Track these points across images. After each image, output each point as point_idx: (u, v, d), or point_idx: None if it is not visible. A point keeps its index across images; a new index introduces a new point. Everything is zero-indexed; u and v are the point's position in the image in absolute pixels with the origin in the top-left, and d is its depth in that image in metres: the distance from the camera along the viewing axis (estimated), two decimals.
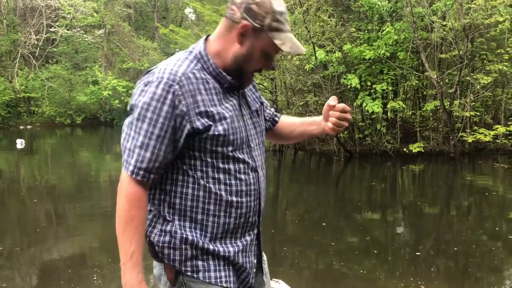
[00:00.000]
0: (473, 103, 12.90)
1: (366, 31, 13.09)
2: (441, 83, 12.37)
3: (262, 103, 1.62)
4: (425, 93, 14.37)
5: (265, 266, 1.68)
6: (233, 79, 1.41)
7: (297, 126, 1.75)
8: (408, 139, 13.71)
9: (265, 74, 13.01)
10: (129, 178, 1.36)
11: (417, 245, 6.10)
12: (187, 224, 1.42)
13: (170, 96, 1.30)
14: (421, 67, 13.37)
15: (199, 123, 1.33)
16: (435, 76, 12.24)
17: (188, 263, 1.43)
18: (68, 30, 27.82)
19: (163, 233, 1.43)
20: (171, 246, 1.42)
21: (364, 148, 13.33)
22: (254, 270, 1.55)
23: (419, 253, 5.64)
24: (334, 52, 12.50)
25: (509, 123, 13.26)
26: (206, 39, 1.43)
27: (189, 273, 1.42)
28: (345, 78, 12.30)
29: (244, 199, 1.45)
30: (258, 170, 1.49)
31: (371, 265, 5.10)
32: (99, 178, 11.56)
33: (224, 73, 1.39)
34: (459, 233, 6.65)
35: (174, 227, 1.42)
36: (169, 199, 1.42)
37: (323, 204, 7.95)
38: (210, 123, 1.34)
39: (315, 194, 9.11)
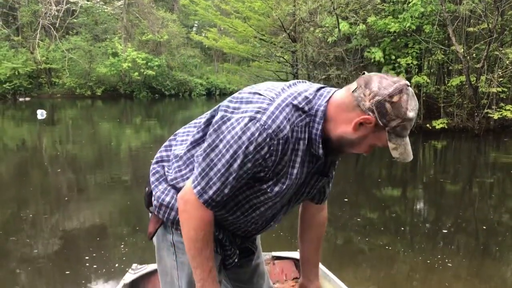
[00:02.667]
0: (501, 79, 12.50)
1: (391, 3, 12.70)
2: (468, 57, 11.99)
3: (327, 178, 1.51)
4: (450, 68, 13.97)
5: (258, 245, 1.68)
6: (324, 153, 1.32)
7: (307, 248, 1.64)
8: (432, 115, 13.43)
9: (286, 46, 12.80)
10: (199, 203, 1.30)
11: (437, 222, 6.02)
12: None
13: (266, 149, 1.23)
14: (447, 41, 12.97)
15: (268, 177, 1.30)
16: (462, 50, 11.86)
17: (178, 218, 1.40)
18: (88, 0, 27.79)
19: (166, 192, 1.42)
20: (169, 206, 1.41)
21: None
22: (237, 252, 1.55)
23: (439, 230, 5.56)
24: (358, 25, 12.19)
25: None
26: (330, 97, 1.30)
27: (179, 232, 1.40)
28: (368, 52, 12.02)
29: (250, 228, 1.49)
30: (273, 221, 1.50)
31: (390, 240, 5.05)
32: (119, 150, 11.67)
33: (321, 145, 1.30)
34: (480, 211, 6.53)
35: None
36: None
37: (343, 180, 7.87)
38: (275, 179, 1.31)
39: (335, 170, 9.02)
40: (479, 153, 11.26)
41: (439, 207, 6.81)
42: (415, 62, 12.43)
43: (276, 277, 2.85)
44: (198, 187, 1.28)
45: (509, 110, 12.32)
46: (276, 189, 1.32)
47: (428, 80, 13.36)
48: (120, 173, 8.48)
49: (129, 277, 2.62)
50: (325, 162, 1.41)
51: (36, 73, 27.87)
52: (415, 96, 1.23)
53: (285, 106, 1.24)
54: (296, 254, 2.88)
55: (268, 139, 1.20)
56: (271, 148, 1.22)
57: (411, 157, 1.28)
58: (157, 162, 1.51)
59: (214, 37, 22.20)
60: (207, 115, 1.42)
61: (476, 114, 12.26)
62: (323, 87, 1.33)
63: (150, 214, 1.51)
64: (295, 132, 1.25)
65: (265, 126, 1.20)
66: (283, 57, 13.14)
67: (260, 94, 1.26)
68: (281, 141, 1.22)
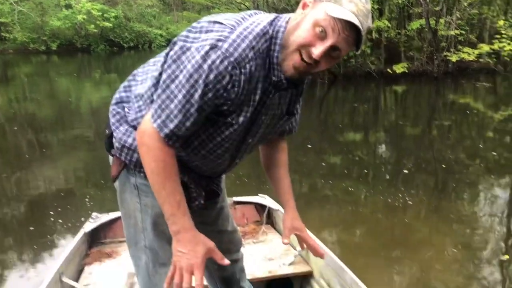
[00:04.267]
0: (459, 21, 12.68)
1: None
2: (427, 0, 12.05)
3: (293, 116, 1.50)
4: (410, 11, 14.04)
5: (223, 188, 1.69)
6: (285, 78, 1.27)
7: (278, 179, 1.62)
8: (392, 59, 13.59)
9: None
10: (158, 136, 1.25)
11: (398, 164, 6.25)
12: None
13: (227, 78, 1.19)
14: None
15: (232, 110, 1.27)
16: None
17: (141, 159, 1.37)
18: None
19: (127, 133, 1.39)
20: (132, 148, 1.38)
21: (348, 70, 13.20)
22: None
23: (400, 171, 5.78)
24: None
25: (493, 41, 13.17)
26: (288, 19, 1.26)
27: (142, 174, 1.38)
28: None
29: (216, 166, 1.47)
30: (236, 159, 1.48)
31: (353, 183, 5.22)
32: (80, 105, 11.36)
33: (282, 69, 1.25)
34: (439, 152, 6.80)
35: None
36: None
37: (307, 128, 7.97)
38: (238, 110, 1.28)
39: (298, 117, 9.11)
40: (438, 95, 11.57)
41: (400, 150, 7.04)
42: (376, 6, 12.40)
43: (238, 221, 2.91)
44: (158, 121, 1.23)
45: (466, 52, 12.61)
46: (241, 119, 1.29)
47: (389, 25, 13.41)
48: (82, 129, 8.29)
49: (89, 225, 2.63)
50: (290, 97, 1.41)
51: None
52: None
53: (247, 33, 1.20)
54: (256, 199, 2.95)
55: (229, 68, 1.17)
56: (233, 78, 1.19)
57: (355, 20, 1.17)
58: (116, 103, 1.46)
59: None
60: (165, 52, 1.37)
61: (435, 57, 12.49)
62: (280, 15, 1.31)
63: (111, 158, 1.48)
64: (258, 59, 1.22)
65: (227, 54, 1.16)
66: (244, 4, 12.84)
67: (220, 23, 1.22)
68: (243, 70, 1.19)
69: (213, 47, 1.16)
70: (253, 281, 2.18)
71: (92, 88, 14.10)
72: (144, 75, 1.43)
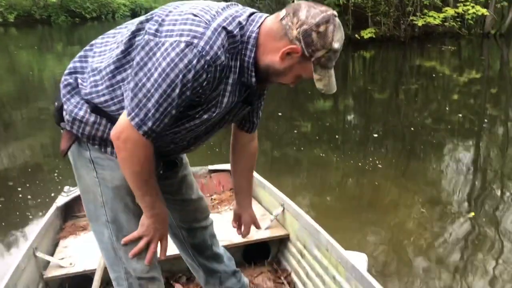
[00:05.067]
0: None
1: None
2: None
3: (258, 109, 1.54)
4: None
5: (184, 157, 1.70)
6: (256, 81, 1.29)
7: (238, 174, 1.69)
8: (360, 25, 13.63)
9: None
10: (138, 136, 1.24)
11: (367, 128, 6.36)
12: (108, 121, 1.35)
13: (204, 76, 1.18)
14: None
15: (200, 103, 1.27)
16: None
17: (98, 139, 1.36)
18: None
19: (79, 106, 1.34)
20: (83, 121, 1.34)
21: None
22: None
23: (369, 136, 5.89)
24: None
25: (458, 5, 13.34)
26: (261, 23, 1.25)
27: (96, 146, 1.37)
28: None
29: (173, 149, 1.49)
30: (194, 145, 1.50)
31: (324, 149, 5.30)
32: (43, 79, 10.99)
33: (253, 73, 1.27)
34: (406, 116, 6.94)
35: (93, 108, 1.34)
36: (108, 102, 1.33)
37: (277, 96, 7.97)
38: (205, 107, 1.29)
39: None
40: (405, 60, 11.73)
41: (369, 115, 7.15)
42: None
43: (214, 189, 2.94)
44: (136, 119, 1.22)
45: (432, 16, 12.76)
46: (205, 116, 1.31)
47: None
48: (47, 103, 8.03)
49: (61, 199, 2.60)
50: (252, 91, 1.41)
51: None
52: (342, 28, 1.23)
53: (220, 31, 1.19)
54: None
55: (206, 66, 1.17)
56: (209, 76, 1.19)
57: (334, 89, 1.28)
58: (70, 73, 1.39)
59: None
60: (127, 27, 1.33)
61: (402, 22, 12.59)
62: (254, 12, 1.29)
63: (61, 131, 1.43)
64: (229, 60, 1.23)
65: (203, 53, 1.15)
66: None
67: (194, 15, 1.19)
68: (218, 68, 1.19)
69: (189, 44, 1.15)
70: (231, 247, 2.21)
71: (54, 61, 13.63)
72: (102, 47, 1.38)
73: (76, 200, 2.57)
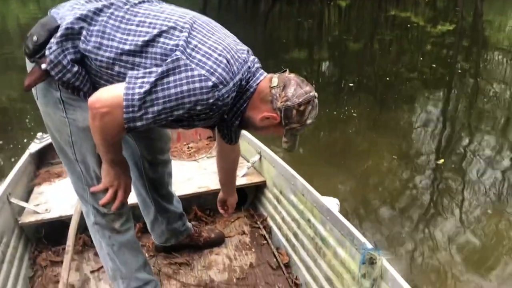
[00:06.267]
0: None
1: None
2: None
3: (236, 132, 1.67)
4: None
5: None
6: (237, 127, 1.48)
7: (224, 172, 1.85)
8: None
9: None
10: (122, 123, 1.25)
11: (342, 79, 6.39)
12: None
13: (207, 111, 1.30)
14: None
15: (186, 122, 1.38)
16: None
17: (72, 86, 1.34)
18: None
19: (66, 52, 1.29)
20: (67, 67, 1.30)
21: None
22: None
23: (344, 85, 5.93)
24: None
25: None
26: (266, 78, 1.39)
27: (70, 90, 1.35)
28: None
29: None
30: None
31: None
32: (7, 26, 10.48)
33: (239, 118, 1.42)
34: (380, 66, 6.98)
35: (80, 61, 1.31)
36: (101, 69, 1.30)
37: (251, 44, 7.85)
38: (187, 124, 1.41)
39: (243, 35, 8.86)
40: (380, 10, 11.65)
41: (343, 65, 7.16)
42: None
43: (191, 138, 2.93)
44: (131, 114, 1.23)
45: None
46: (183, 127, 1.45)
47: None
48: (13, 49, 7.72)
49: (34, 146, 2.55)
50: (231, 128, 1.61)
51: None
52: (318, 107, 1.38)
53: (238, 84, 1.33)
54: None
55: (214, 107, 1.29)
56: (210, 113, 1.31)
57: (295, 149, 1.45)
58: (78, 19, 1.30)
59: None
60: (158, 18, 1.30)
61: None
62: (259, 67, 1.43)
63: (30, 65, 1.37)
64: (230, 103, 1.36)
65: (220, 98, 1.27)
66: None
67: (227, 63, 1.28)
68: (220, 110, 1.33)
69: (214, 87, 1.24)
70: (208, 193, 2.24)
71: (18, 6, 12.94)
72: (127, 19, 1.31)
73: (50, 147, 2.52)
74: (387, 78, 6.23)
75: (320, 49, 8.23)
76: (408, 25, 9.68)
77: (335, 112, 4.71)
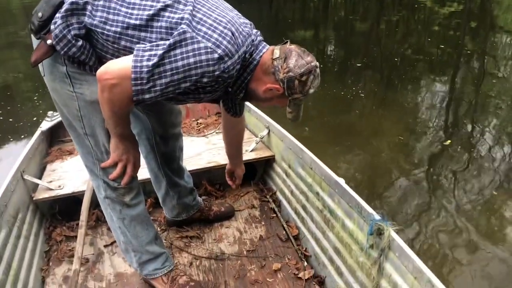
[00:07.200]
0: None
1: None
2: None
3: (241, 105, 1.71)
4: None
5: None
6: (241, 99, 1.49)
7: (230, 145, 1.89)
8: None
9: None
10: (130, 96, 1.27)
11: (348, 59, 6.36)
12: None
13: (213, 84, 1.31)
14: None
15: (192, 95, 1.39)
16: None
17: (77, 60, 1.35)
18: None
19: (71, 27, 1.30)
20: (73, 41, 1.31)
21: None
22: None
23: (350, 66, 5.90)
24: None
25: None
26: (268, 50, 1.41)
27: (76, 65, 1.36)
28: None
29: None
30: None
31: None
32: (10, 3, 10.42)
33: (243, 91, 1.44)
34: (386, 48, 6.94)
35: (85, 35, 1.32)
36: (108, 43, 1.32)
37: (257, 25, 7.80)
38: (193, 97, 1.42)
39: (248, 15, 8.84)
40: None
41: (349, 45, 7.11)
42: None
43: (199, 114, 2.96)
44: (139, 86, 1.25)
45: None
46: (191, 100, 1.45)
47: None
48: (17, 28, 7.71)
49: (46, 124, 2.58)
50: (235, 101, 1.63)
51: None
52: (319, 77, 1.40)
53: (243, 56, 1.35)
54: None
55: (220, 79, 1.30)
56: (216, 85, 1.33)
57: (300, 119, 1.49)
58: None
59: None
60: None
61: None
62: (262, 40, 1.45)
63: (36, 42, 1.38)
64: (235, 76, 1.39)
65: (226, 70, 1.28)
66: None
67: (232, 35, 1.30)
68: (225, 82, 1.34)
69: (220, 59, 1.26)
70: (217, 168, 2.27)
71: None
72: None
73: (61, 125, 2.55)
74: (395, 59, 6.20)
75: (326, 28, 8.18)
76: (415, 6, 9.57)
77: (342, 93, 4.71)
